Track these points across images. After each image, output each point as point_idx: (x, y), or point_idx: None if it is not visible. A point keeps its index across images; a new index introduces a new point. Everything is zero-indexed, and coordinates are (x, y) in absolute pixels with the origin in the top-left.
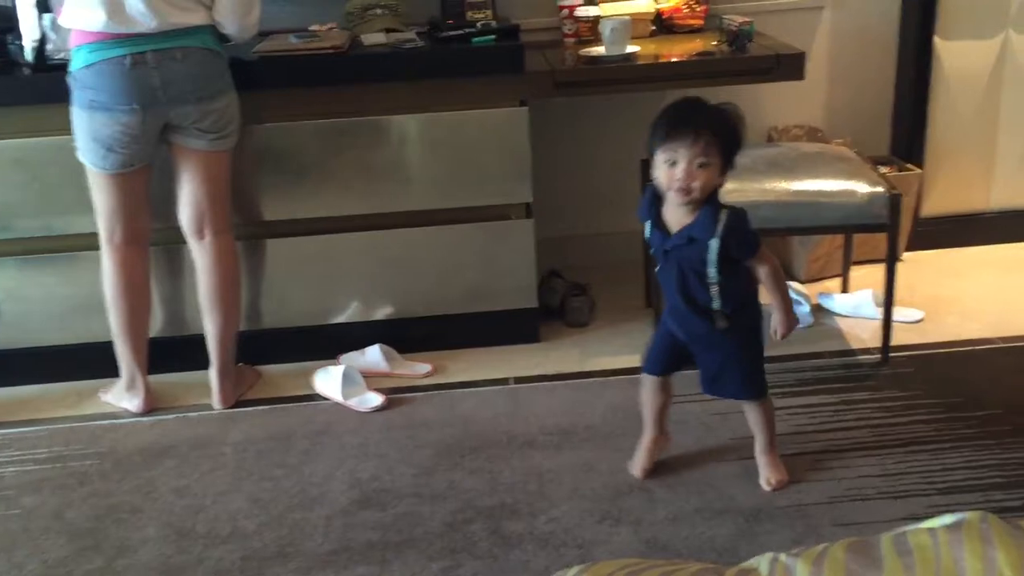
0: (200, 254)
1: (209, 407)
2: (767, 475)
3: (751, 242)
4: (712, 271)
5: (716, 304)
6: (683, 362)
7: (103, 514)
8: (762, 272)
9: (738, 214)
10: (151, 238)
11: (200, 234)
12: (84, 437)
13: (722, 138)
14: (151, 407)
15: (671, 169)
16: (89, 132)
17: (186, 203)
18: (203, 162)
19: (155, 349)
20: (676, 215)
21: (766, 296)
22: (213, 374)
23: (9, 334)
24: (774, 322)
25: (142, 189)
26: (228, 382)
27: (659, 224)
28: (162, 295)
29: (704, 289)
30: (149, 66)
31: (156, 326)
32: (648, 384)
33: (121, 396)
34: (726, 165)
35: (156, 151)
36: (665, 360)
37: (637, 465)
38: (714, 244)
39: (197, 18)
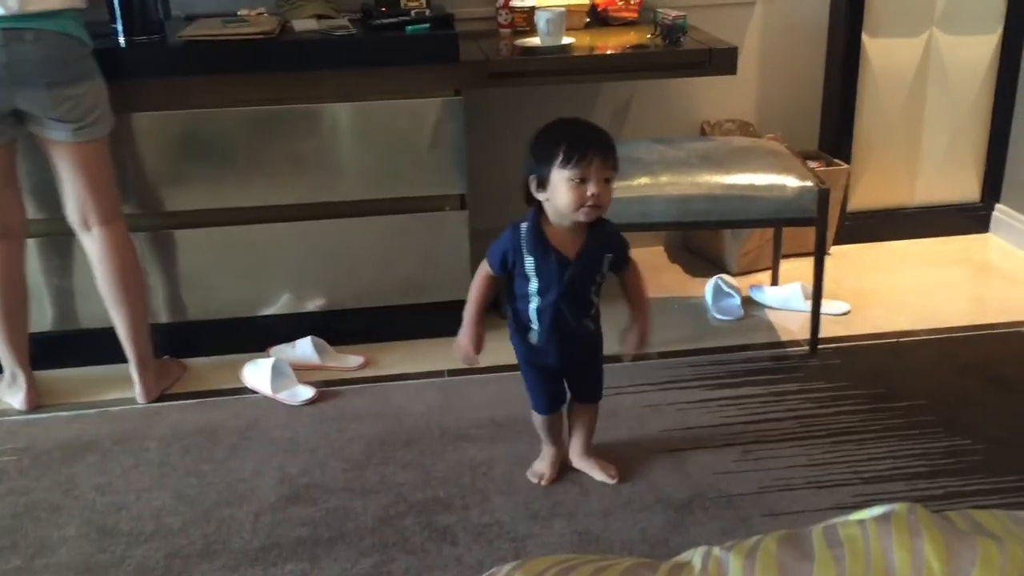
0: (91, 246)
1: (132, 401)
2: (606, 470)
3: (627, 248)
4: (598, 279)
5: (594, 310)
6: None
7: (21, 512)
8: (634, 275)
9: (614, 224)
10: (28, 231)
11: (86, 225)
12: (0, 433)
13: (615, 155)
14: (35, 404)
15: (579, 187)
16: None
17: (68, 196)
18: (72, 153)
19: (82, 340)
20: (566, 239)
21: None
22: (132, 367)
23: None
24: (633, 333)
25: (2, 177)
26: (149, 375)
27: (549, 253)
28: (79, 286)
29: (587, 303)
30: None
31: (86, 316)
32: (546, 419)
33: (4, 392)
34: None
35: (9, 137)
36: (553, 397)
37: (545, 475)
38: (609, 255)
39: (58, 2)
